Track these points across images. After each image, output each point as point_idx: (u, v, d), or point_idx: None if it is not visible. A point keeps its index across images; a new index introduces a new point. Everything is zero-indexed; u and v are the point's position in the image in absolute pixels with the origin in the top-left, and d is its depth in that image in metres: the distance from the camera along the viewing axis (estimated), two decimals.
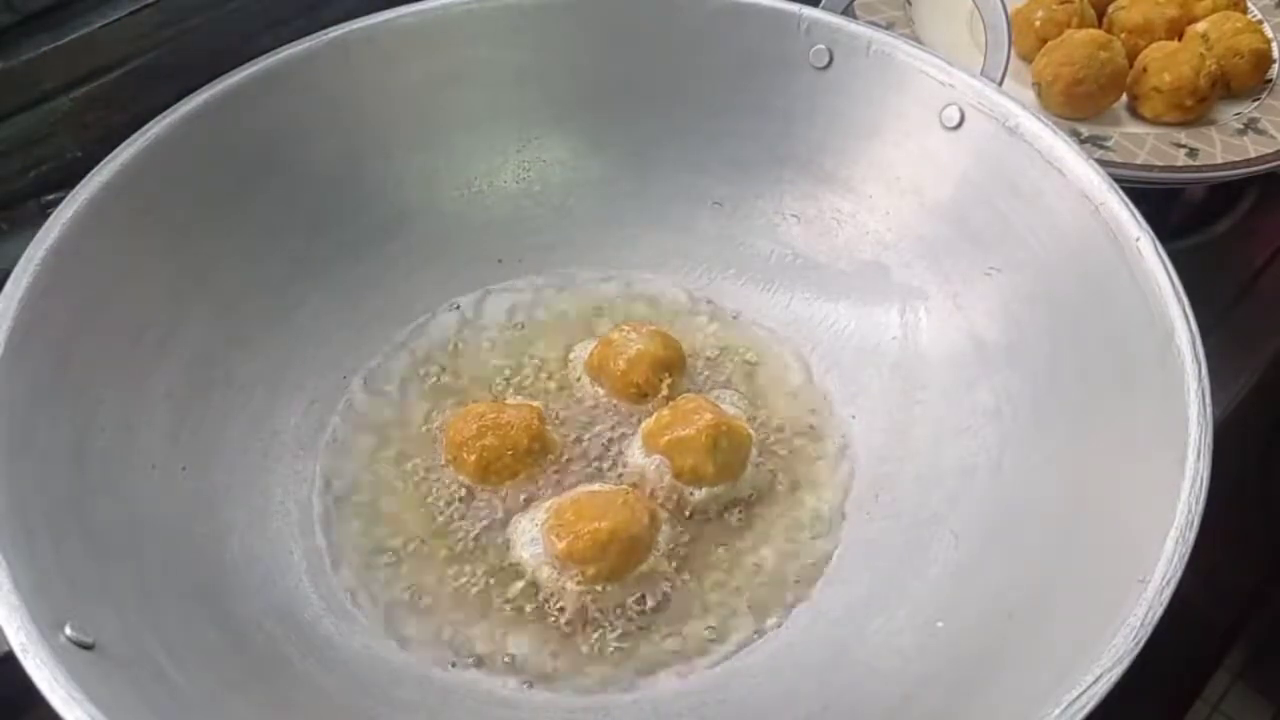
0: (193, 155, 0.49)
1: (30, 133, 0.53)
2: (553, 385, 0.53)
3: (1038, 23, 0.70)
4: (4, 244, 0.52)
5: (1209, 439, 0.39)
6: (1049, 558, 0.42)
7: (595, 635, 0.45)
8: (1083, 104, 0.67)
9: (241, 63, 0.51)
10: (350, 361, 0.53)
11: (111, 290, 0.46)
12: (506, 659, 0.45)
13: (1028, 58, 0.70)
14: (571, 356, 0.54)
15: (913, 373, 0.52)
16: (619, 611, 0.45)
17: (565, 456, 0.50)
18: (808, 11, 0.54)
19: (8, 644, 0.34)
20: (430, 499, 0.49)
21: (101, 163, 0.47)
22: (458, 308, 0.56)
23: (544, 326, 0.56)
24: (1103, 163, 0.50)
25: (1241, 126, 0.67)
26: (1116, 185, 0.46)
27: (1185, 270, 0.43)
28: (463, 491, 0.49)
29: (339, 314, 0.54)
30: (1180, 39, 0.70)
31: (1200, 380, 0.40)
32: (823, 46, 0.54)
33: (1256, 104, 0.68)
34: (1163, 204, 0.66)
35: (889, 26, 0.70)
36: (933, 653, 0.42)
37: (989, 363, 0.50)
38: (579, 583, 0.45)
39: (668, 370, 0.51)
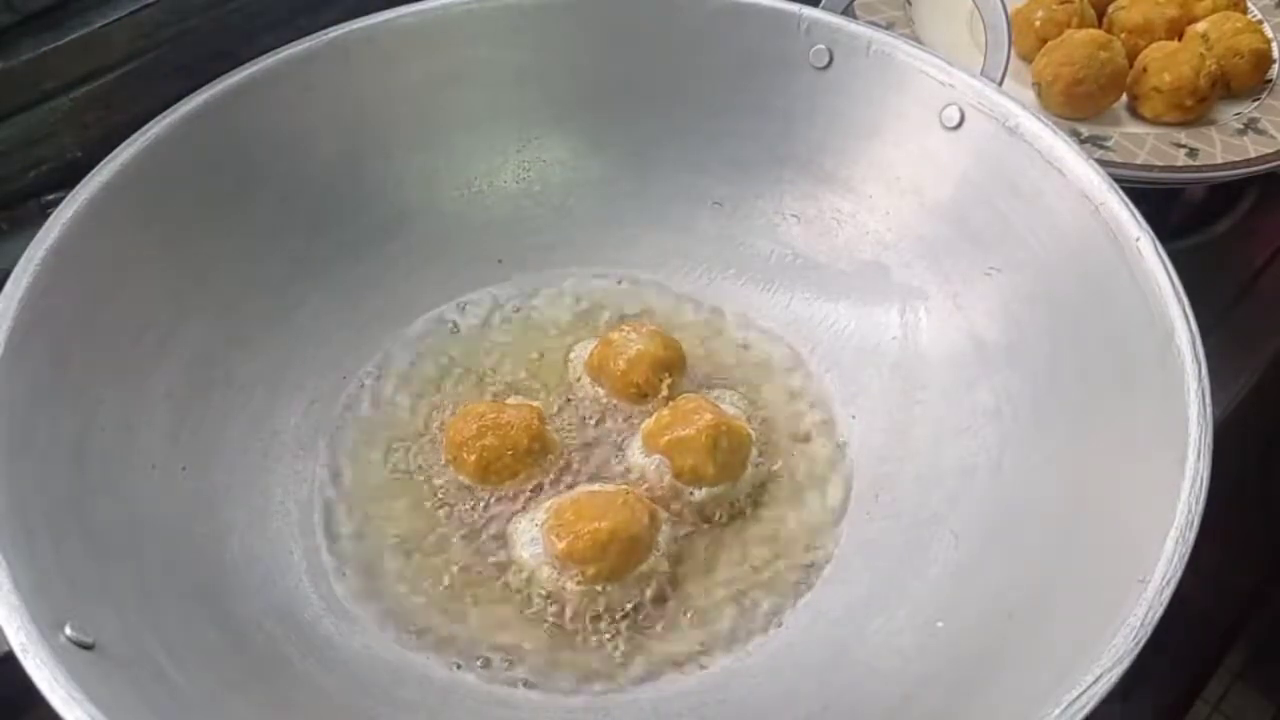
0: (193, 155, 0.49)
1: (30, 133, 0.53)
2: (553, 385, 0.53)
3: (1038, 23, 0.70)
4: (4, 244, 0.52)
5: (1209, 439, 0.39)
6: (1049, 558, 0.42)
7: (595, 635, 0.45)
8: (1083, 104, 0.67)
9: (241, 63, 0.51)
10: (350, 361, 0.53)
11: (111, 290, 0.46)
12: (506, 659, 0.45)
13: (1028, 58, 0.70)
14: (571, 356, 0.54)
15: (913, 373, 0.52)
16: (619, 611, 0.45)
17: (565, 456, 0.50)
18: (808, 11, 0.54)
19: (8, 644, 0.34)
20: (430, 499, 0.49)
21: (101, 163, 0.47)
22: (458, 308, 0.56)
23: (544, 326, 0.56)
24: (1103, 163, 0.50)
25: (1241, 126, 0.67)
26: (1116, 185, 0.46)
27: (1185, 270, 0.43)
28: (463, 491, 0.49)
29: (339, 314, 0.54)
30: (1180, 39, 0.70)
31: (1200, 380, 0.40)
32: (823, 46, 0.54)
33: (1256, 104, 0.68)
34: (1163, 204, 0.66)
35: (889, 26, 0.70)
36: (933, 653, 0.42)
37: (989, 363, 0.50)
38: (579, 583, 0.45)
39: (668, 370, 0.51)
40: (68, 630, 0.35)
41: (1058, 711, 0.34)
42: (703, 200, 0.58)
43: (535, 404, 0.50)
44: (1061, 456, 0.45)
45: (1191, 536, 0.37)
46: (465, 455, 0.48)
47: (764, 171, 0.57)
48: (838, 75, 0.54)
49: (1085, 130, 0.66)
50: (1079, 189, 0.47)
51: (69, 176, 0.47)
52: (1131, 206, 0.45)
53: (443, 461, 0.50)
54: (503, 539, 0.47)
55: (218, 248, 0.50)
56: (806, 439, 0.52)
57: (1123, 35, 0.70)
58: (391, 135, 0.55)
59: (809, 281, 0.56)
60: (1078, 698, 0.34)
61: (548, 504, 0.47)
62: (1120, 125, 0.67)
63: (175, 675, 0.38)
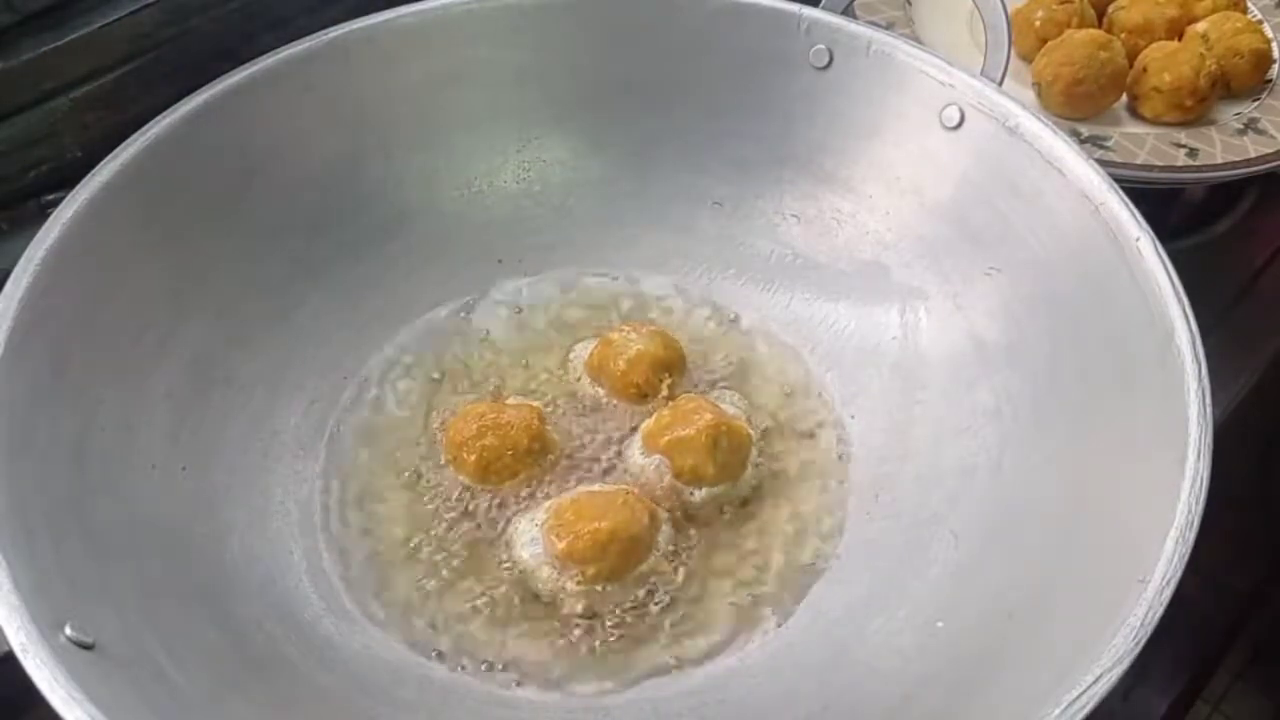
0: (193, 155, 0.49)
1: (30, 133, 0.53)
2: (553, 385, 0.53)
3: (1038, 23, 0.70)
4: (4, 244, 0.52)
5: (1209, 439, 0.39)
6: (1049, 558, 0.42)
7: (595, 635, 0.45)
8: (1083, 104, 0.67)
9: (241, 63, 0.51)
10: (350, 361, 0.53)
11: (111, 290, 0.46)
12: (506, 659, 0.45)
13: (1028, 58, 0.70)
14: (571, 356, 0.54)
15: (913, 373, 0.52)
16: (619, 611, 0.45)
17: (565, 456, 0.49)
18: (808, 11, 0.54)
19: (8, 644, 0.34)
20: (430, 499, 0.49)
21: (101, 163, 0.47)
22: (458, 308, 0.56)
23: (544, 326, 0.56)
24: (1103, 163, 0.50)
25: (1241, 126, 0.67)
26: (1116, 185, 0.46)
27: (1185, 270, 0.43)
28: (463, 491, 0.49)
29: (339, 314, 0.54)
30: (1180, 39, 0.70)
31: (1200, 380, 0.40)
32: (823, 46, 0.54)
33: (1256, 104, 0.68)
34: (1163, 204, 0.66)
35: (889, 26, 0.70)
36: (933, 653, 0.42)
37: (989, 363, 0.50)
38: (579, 583, 0.45)
39: (668, 370, 0.51)
40: (68, 630, 0.35)
41: (1058, 711, 0.34)
42: (703, 200, 0.58)
43: (535, 404, 0.50)
44: (1061, 456, 0.45)
45: (1191, 536, 0.37)
46: (465, 455, 0.48)
47: (764, 171, 0.57)
48: (838, 75, 0.54)
49: (1085, 130, 0.66)
50: (1079, 189, 0.47)
51: (69, 176, 0.47)
52: (1131, 206, 0.45)
53: (443, 461, 0.50)
54: (503, 539, 0.47)
55: (218, 248, 0.50)
56: (806, 439, 0.52)
57: (1123, 35, 0.70)
58: (391, 135, 0.55)
59: (809, 281, 0.56)
60: (1078, 698, 0.34)
61: (548, 504, 0.47)
62: (1120, 125, 0.67)
63: (175, 675, 0.38)
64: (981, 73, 0.53)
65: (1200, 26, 0.70)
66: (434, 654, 0.45)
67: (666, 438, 0.48)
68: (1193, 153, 0.65)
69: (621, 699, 0.44)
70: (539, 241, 0.58)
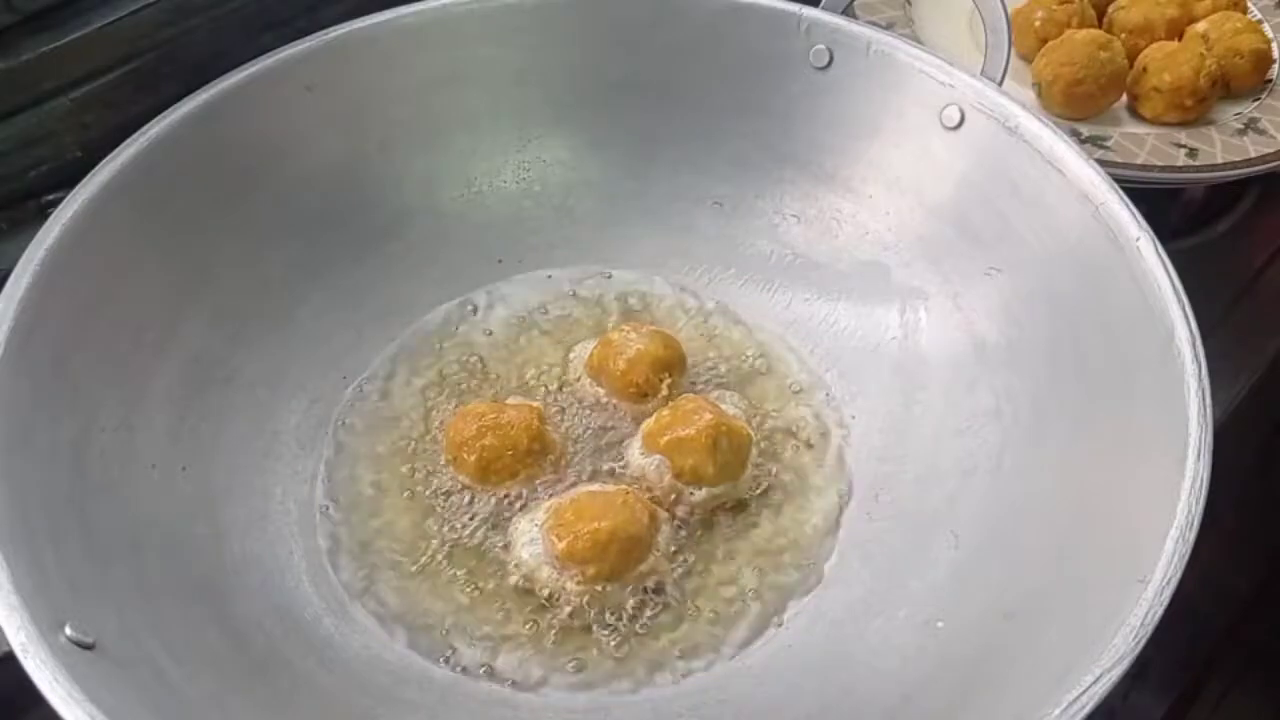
0: (193, 155, 0.49)
1: (30, 133, 0.53)
2: (553, 385, 0.53)
3: (1038, 23, 0.70)
4: (4, 244, 0.52)
5: (1209, 439, 0.39)
6: (1049, 558, 0.42)
7: (595, 635, 0.45)
8: (1083, 104, 0.67)
9: (241, 63, 0.51)
10: (350, 362, 0.53)
11: (111, 290, 0.46)
12: (507, 659, 0.45)
13: (1028, 58, 0.70)
14: (571, 356, 0.54)
15: (913, 373, 0.52)
16: (619, 611, 0.45)
17: (565, 456, 0.49)
18: (808, 11, 0.54)
19: (8, 644, 0.34)
20: (430, 499, 0.49)
21: (101, 163, 0.47)
22: (458, 308, 0.56)
23: (544, 326, 0.56)
24: (1103, 163, 0.50)
25: (1241, 126, 0.67)
26: (1116, 185, 0.46)
27: (1185, 270, 0.43)
28: (463, 491, 0.49)
29: (339, 314, 0.54)
30: (1180, 39, 0.70)
31: (1200, 380, 0.40)
32: (823, 46, 0.54)
33: (1256, 104, 0.68)
34: (1163, 204, 0.66)
35: (889, 26, 0.70)
36: (933, 653, 0.42)
37: (989, 363, 0.50)
38: (579, 583, 0.45)
39: (668, 370, 0.51)
40: (68, 630, 0.35)
41: (1058, 712, 0.34)
42: (703, 200, 0.58)
43: (535, 404, 0.50)
44: (1062, 456, 0.45)
45: (1191, 536, 0.37)
46: (465, 455, 0.48)
47: (764, 171, 0.57)
48: (838, 75, 0.54)
49: (1085, 130, 0.66)
50: (1079, 189, 0.47)
51: (69, 176, 0.47)
52: (1131, 206, 0.45)
53: (443, 461, 0.50)
54: (503, 539, 0.47)
55: (218, 248, 0.50)
56: (806, 439, 0.52)
57: (1123, 35, 0.70)
58: (391, 135, 0.55)
59: (809, 281, 0.56)
60: (1078, 698, 0.34)
61: (548, 504, 0.47)
62: (1120, 125, 0.68)
63: (175, 675, 0.38)
64: (981, 73, 0.53)
65: (1200, 26, 0.70)
66: (434, 654, 0.45)
67: (666, 438, 0.48)
68: (1193, 153, 0.65)
69: (621, 699, 0.44)
70: (539, 241, 0.58)
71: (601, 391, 0.52)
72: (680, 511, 0.48)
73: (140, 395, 0.46)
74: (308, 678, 0.43)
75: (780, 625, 0.46)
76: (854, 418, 0.52)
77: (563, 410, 0.52)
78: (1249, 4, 0.73)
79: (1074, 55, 0.66)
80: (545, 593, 0.45)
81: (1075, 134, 0.66)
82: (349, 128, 0.54)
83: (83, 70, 0.53)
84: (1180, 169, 0.64)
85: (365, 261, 0.55)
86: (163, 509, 0.45)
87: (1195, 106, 0.66)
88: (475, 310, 0.56)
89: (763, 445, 0.51)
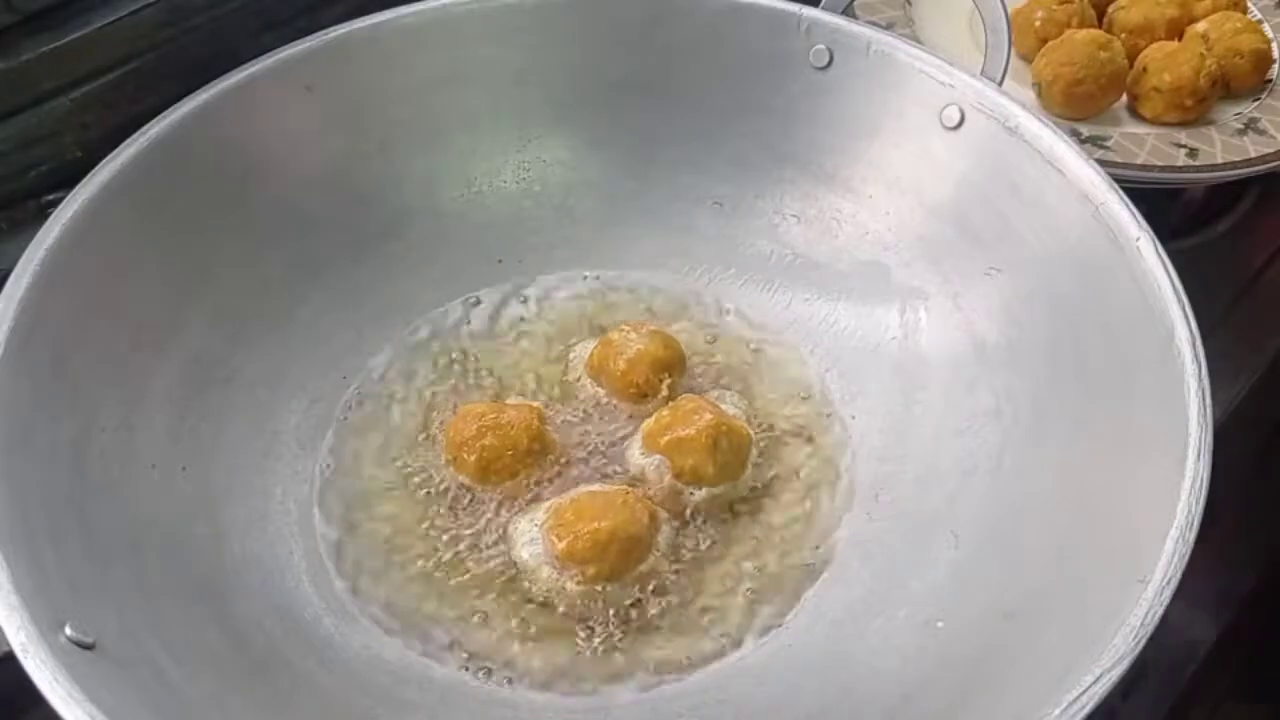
0: (193, 155, 0.49)
1: (30, 133, 0.53)
2: (553, 385, 0.53)
3: (1038, 23, 0.70)
4: (4, 244, 0.52)
5: (1209, 439, 0.39)
6: (1049, 557, 0.42)
7: (595, 635, 0.45)
8: (1083, 104, 0.67)
9: (241, 63, 0.51)
10: (350, 361, 0.53)
11: (111, 290, 0.46)
12: (506, 659, 0.45)
13: (1028, 58, 0.70)
14: (571, 356, 0.54)
15: (913, 373, 0.52)
16: (619, 611, 0.45)
17: (565, 456, 0.49)
18: (808, 11, 0.54)
19: (8, 644, 0.34)
20: (430, 499, 0.49)
21: (101, 163, 0.47)
22: (458, 308, 0.56)
23: (544, 326, 0.56)
24: (1103, 163, 0.50)
25: (1241, 126, 0.67)
26: (1116, 185, 0.46)
27: (1185, 270, 0.43)
28: (463, 491, 0.49)
29: (339, 314, 0.54)
30: (1180, 39, 0.70)
31: (1200, 380, 0.40)
32: (823, 46, 0.54)
33: (1256, 104, 0.68)
34: (1163, 204, 0.66)
35: (889, 26, 0.70)
36: (933, 653, 0.42)
37: (989, 363, 0.50)
38: (579, 583, 0.45)
39: (668, 370, 0.51)
40: (68, 630, 0.35)
41: (1058, 712, 0.34)
42: (703, 200, 0.58)
43: (535, 404, 0.50)
44: (1061, 456, 0.45)
45: (1191, 536, 0.37)
46: (465, 455, 0.48)
47: (764, 171, 0.57)
48: (838, 75, 0.54)
49: (1085, 130, 0.66)
50: (1079, 189, 0.47)
51: (69, 176, 0.47)
52: (1131, 206, 0.45)
53: (443, 461, 0.50)
54: (503, 539, 0.47)
55: (218, 248, 0.50)
56: (806, 439, 0.52)
57: (1123, 35, 0.70)
58: (391, 135, 0.55)
59: (809, 281, 0.56)
60: (1078, 698, 0.34)
61: (548, 504, 0.47)
62: (1120, 125, 0.68)
63: (175, 675, 0.38)
64: (981, 73, 0.53)
65: (1200, 26, 0.70)
66: (434, 654, 0.45)
67: (666, 438, 0.48)
68: (1193, 153, 0.65)
69: (621, 699, 0.44)
70: (539, 241, 0.58)
71: (601, 391, 0.52)
72: (680, 512, 0.48)
73: (140, 395, 0.46)
74: (308, 678, 0.43)
75: (780, 625, 0.46)
76: (854, 418, 0.52)
77: (562, 410, 0.52)
78: (1249, 4, 0.73)
79: (1074, 55, 0.66)
80: (545, 593, 0.45)
81: (1075, 134, 0.66)
82: (349, 128, 0.54)
83: (83, 70, 0.53)
84: (1180, 169, 0.64)
85: (365, 261, 0.55)
86: (163, 509, 0.45)
87: (1195, 106, 0.66)
88: (475, 310, 0.56)
89: (762, 445, 0.51)
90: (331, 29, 0.53)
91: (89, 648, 0.36)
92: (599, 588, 0.45)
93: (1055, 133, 0.48)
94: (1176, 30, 0.70)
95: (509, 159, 0.58)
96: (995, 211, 0.50)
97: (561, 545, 0.44)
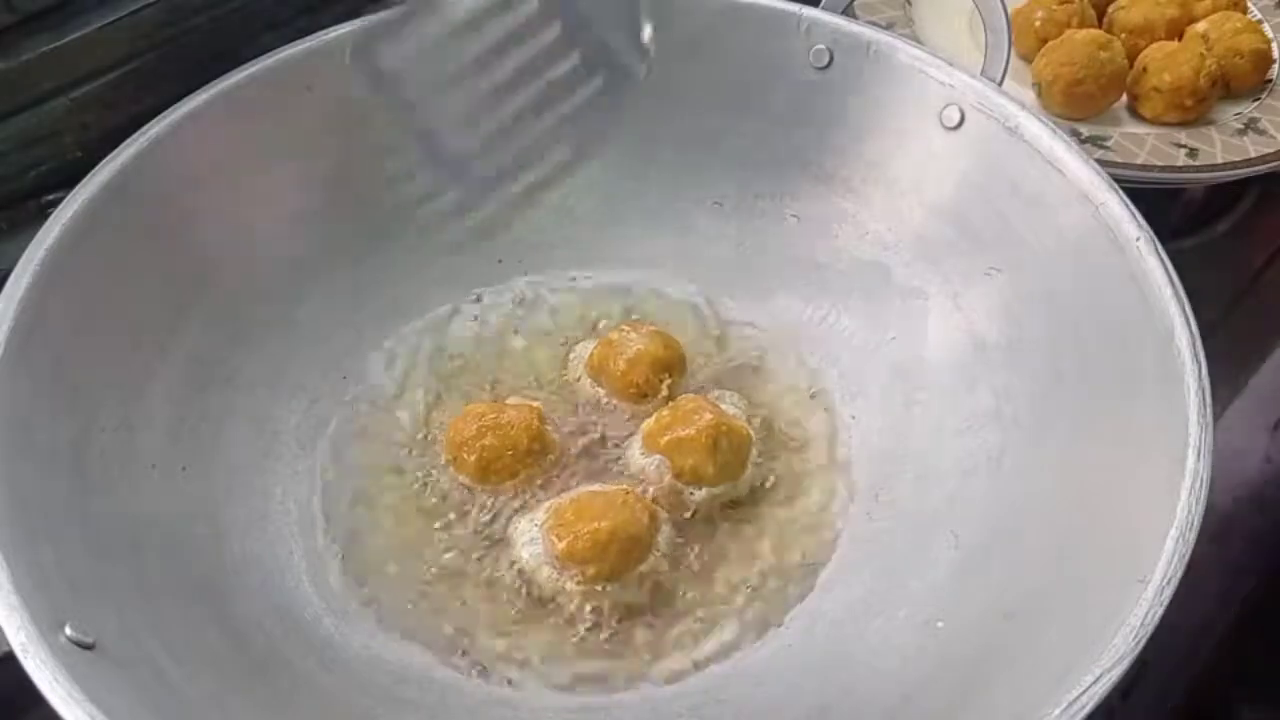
0: (193, 156, 0.49)
1: (30, 133, 0.52)
2: (553, 385, 0.53)
3: (1038, 23, 0.70)
4: (4, 244, 0.52)
5: (1209, 439, 0.39)
6: (1049, 557, 0.42)
7: (595, 635, 0.45)
8: (1083, 104, 0.67)
9: (241, 63, 0.51)
10: (350, 361, 0.53)
11: (112, 290, 0.46)
12: (506, 659, 0.45)
13: (1028, 58, 0.70)
14: (571, 356, 0.54)
15: (913, 373, 0.52)
16: (619, 611, 0.45)
17: (565, 456, 0.49)
18: (808, 11, 0.54)
19: (8, 644, 0.34)
20: (430, 499, 0.49)
21: (101, 163, 0.47)
22: (458, 308, 0.56)
23: (544, 327, 0.56)
24: (1103, 163, 0.50)
25: (1241, 126, 0.67)
26: (1116, 185, 0.46)
27: (1185, 270, 0.43)
28: (463, 491, 0.49)
29: (339, 314, 0.54)
30: (1180, 39, 0.70)
31: (1200, 380, 0.40)
32: (823, 46, 0.54)
33: (1256, 104, 0.68)
34: (1163, 204, 0.66)
35: (889, 26, 0.70)
36: (933, 653, 0.42)
37: (989, 363, 0.50)
38: (579, 583, 0.45)
39: (668, 370, 0.51)
40: (68, 630, 0.35)
41: (1058, 712, 0.34)
42: (703, 200, 0.58)
43: (535, 404, 0.50)
44: (1061, 456, 0.45)
45: (1191, 536, 0.37)
46: (465, 455, 0.48)
47: (764, 171, 0.57)
48: (838, 75, 0.54)
49: (1085, 130, 0.66)
50: (1079, 189, 0.47)
51: (69, 176, 0.47)
52: (1131, 207, 0.45)
53: (443, 462, 0.50)
54: (503, 539, 0.47)
55: (218, 248, 0.50)
56: (806, 439, 0.52)
57: (1123, 35, 0.70)
58: (392, 135, 0.55)
59: (809, 281, 0.56)
60: (1078, 698, 0.34)
61: (548, 504, 0.47)
62: (1120, 125, 0.68)
63: (175, 675, 0.38)
64: (981, 73, 0.53)
65: (1200, 26, 0.70)
66: (434, 654, 0.45)
67: (666, 438, 0.48)
68: (1193, 153, 0.65)
69: (621, 699, 0.44)
70: (539, 241, 0.58)
71: (601, 391, 0.52)
72: (680, 512, 0.48)
73: (140, 395, 0.46)
74: (308, 678, 0.43)
75: (780, 625, 0.46)
76: (854, 418, 0.52)
77: (563, 410, 0.52)
78: (1249, 4, 0.73)
79: (1074, 55, 0.66)
80: (545, 593, 0.45)
81: (1075, 134, 0.66)
82: (349, 128, 0.54)
83: (83, 70, 0.53)
84: (1180, 169, 0.64)
85: (365, 261, 0.55)
86: (163, 509, 0.45)
87: (1195, 106, 0.66)
88: (475, 310, 0.56)
89: (762, 445, 0.51)
90: (331, 29, 0.53)
91: (89, 648, 0.36)
92: (599, 587, 0.45)
93: (1055, 133, 0.48)
94: (1176, 30, 0.70)
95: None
96: (995, 211, 0.50)
97: (561, 545, 0.44)
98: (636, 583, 0.46)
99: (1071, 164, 0.47)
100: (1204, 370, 0.41)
